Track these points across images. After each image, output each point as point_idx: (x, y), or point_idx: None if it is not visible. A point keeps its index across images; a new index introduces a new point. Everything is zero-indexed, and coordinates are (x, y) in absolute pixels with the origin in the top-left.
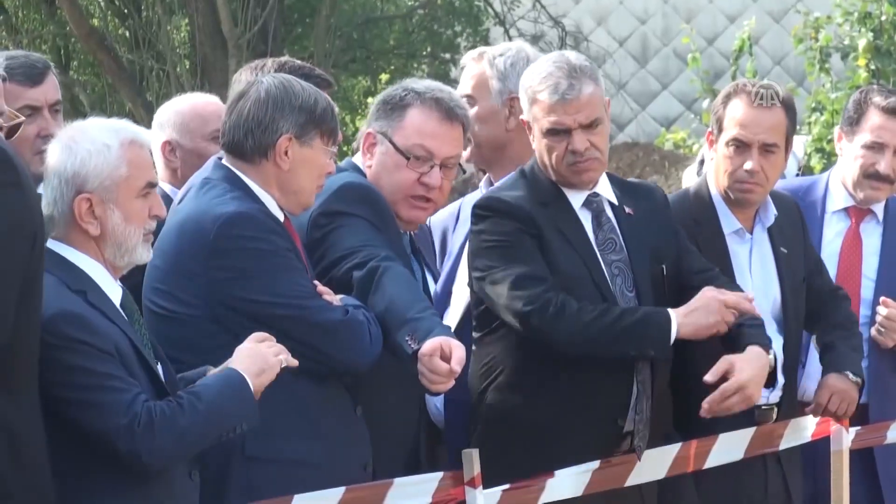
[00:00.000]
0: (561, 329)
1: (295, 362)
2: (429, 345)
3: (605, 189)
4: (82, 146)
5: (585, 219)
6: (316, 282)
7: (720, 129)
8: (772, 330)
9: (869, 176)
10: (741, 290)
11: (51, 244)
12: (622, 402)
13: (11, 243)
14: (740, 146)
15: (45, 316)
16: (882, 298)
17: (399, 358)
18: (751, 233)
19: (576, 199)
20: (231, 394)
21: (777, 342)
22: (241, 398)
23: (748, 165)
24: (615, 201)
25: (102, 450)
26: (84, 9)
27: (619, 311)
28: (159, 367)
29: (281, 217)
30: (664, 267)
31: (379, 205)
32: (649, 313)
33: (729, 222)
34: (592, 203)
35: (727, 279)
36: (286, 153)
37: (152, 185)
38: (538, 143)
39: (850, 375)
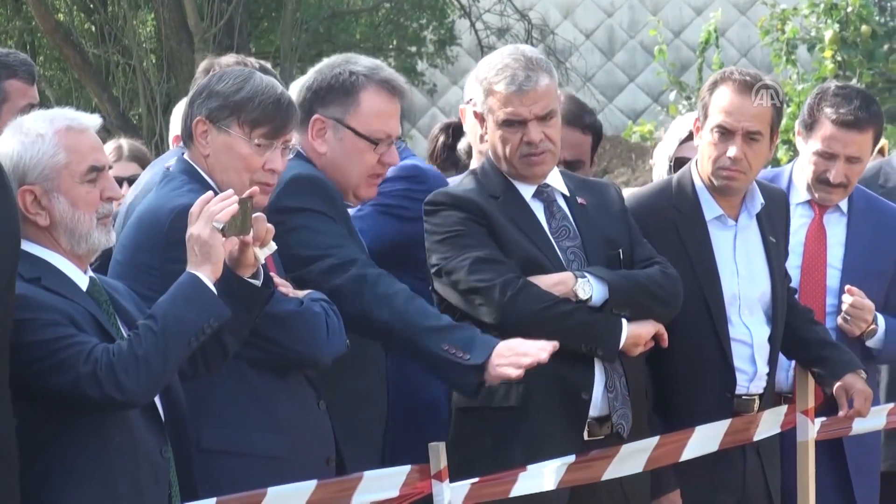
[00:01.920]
0: (517, 310)
1: (232, 207)
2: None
3: (556, 181)
4: (18, 139)
5: (537, 209)
6: (272, 273)
7: (705, 116)
8: (759, 320)
9: (821, 182)
10: (676, 277)
11: None
12: (585, 377)
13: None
14: (724, 133)
15: None
16: (847, 287)
17: (433, 368)
18: (735, 220)
19: (526, 190)
20: (185, 297)
21: (764, 332)
22: (197, 297)
23: (731, 152)
24: (567, 192)
25: (75, 411)
26: (49, 4)
27: (574, 306)
28: None
29: None
30: (620, 251)
31: (330, 194)
32: (606, 316)
33: (711, 209)
34: (543, 193)
35: (666, 267)
36: (205, 137)
37: (97, 168)
38: (492, 135)
39: (863, 374)
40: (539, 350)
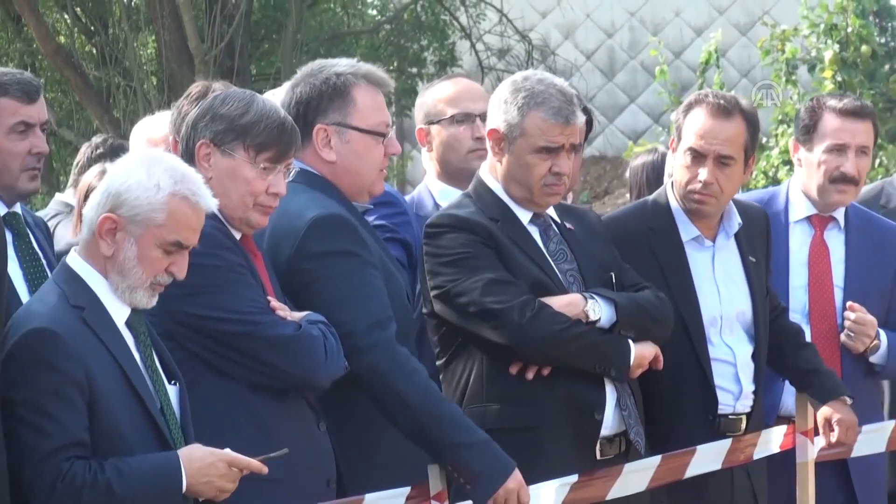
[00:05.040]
0: (536, 330)
1: None
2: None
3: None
4: (139, 173)
5: (534, 233)
6: (270, 297)
7: (679, 138)
8: (740, 338)
9: (834, 180)
10: (666, 300)
11: (68, 258)
12: (597, 397)
13: None
14: (696, 156)
15: (28, 328)
16: (849, 304)
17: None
18: (713, 241)
19: (523, 215)
20: (159, 484)
21: (747, 350)
22: (166, 493)
23: (702, 176)
24: (557, 219)
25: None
26: (50, 26)
27: (587, 327)
28: (173, 387)
29: (238, 234)
30: (613, 275)
31: (355, 231)
32: (616, 337)
33: (687, 230)
34: (540, 217)
35: (656, 291)
36: (207, 160)
37: (181, 244)
38: (515, 159)
39: (848, 400)
40: None
